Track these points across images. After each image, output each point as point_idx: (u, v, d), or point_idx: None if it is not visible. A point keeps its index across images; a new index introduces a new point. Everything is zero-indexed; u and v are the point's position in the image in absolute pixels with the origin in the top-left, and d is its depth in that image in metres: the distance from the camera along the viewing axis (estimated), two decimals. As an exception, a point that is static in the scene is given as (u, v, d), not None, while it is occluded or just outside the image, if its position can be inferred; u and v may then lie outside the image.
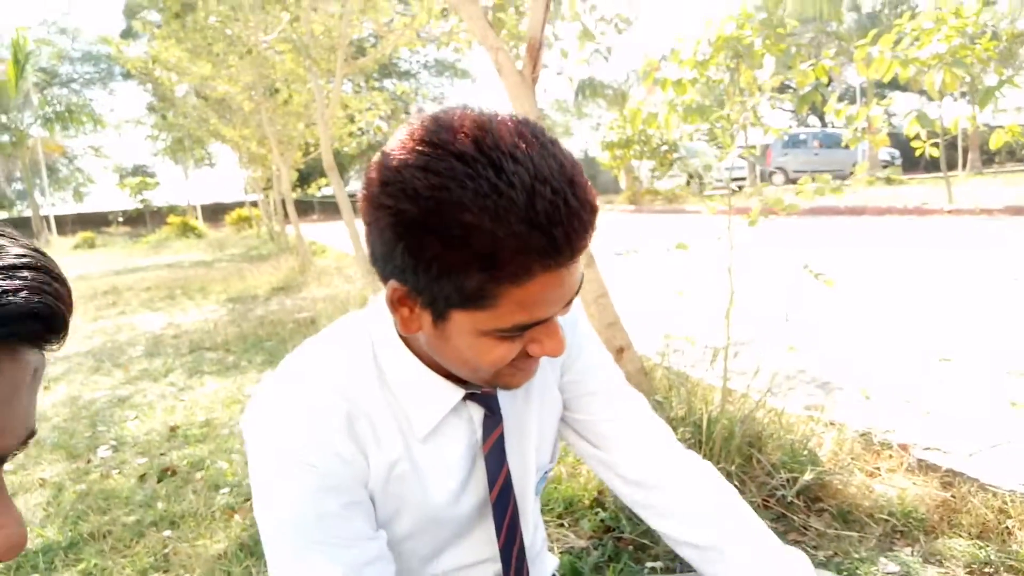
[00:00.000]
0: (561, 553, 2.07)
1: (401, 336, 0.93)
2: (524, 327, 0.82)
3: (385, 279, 0.84)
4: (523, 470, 1.05)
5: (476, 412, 0.99)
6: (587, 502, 2.30)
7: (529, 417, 1.06)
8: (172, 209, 35.10)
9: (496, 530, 1.02)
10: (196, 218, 31.21)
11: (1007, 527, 2.03)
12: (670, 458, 1.11)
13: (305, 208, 30.56)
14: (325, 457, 0.87)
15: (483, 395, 0.98)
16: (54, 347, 0.50)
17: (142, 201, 36.05)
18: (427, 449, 0.96)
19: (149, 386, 4.55)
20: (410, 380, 0.94)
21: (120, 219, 36.83)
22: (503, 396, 1.01)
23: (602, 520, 2.20)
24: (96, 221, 35.93)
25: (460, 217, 0.73)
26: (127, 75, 30.01)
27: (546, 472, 1.13)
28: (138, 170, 40.52)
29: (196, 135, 19.60)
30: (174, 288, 10.00)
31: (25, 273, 0.46)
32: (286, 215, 15.39)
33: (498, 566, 1.07)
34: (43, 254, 0.49)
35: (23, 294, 0.45)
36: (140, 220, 36.04)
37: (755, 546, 1.05)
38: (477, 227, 0.73)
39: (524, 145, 0.75)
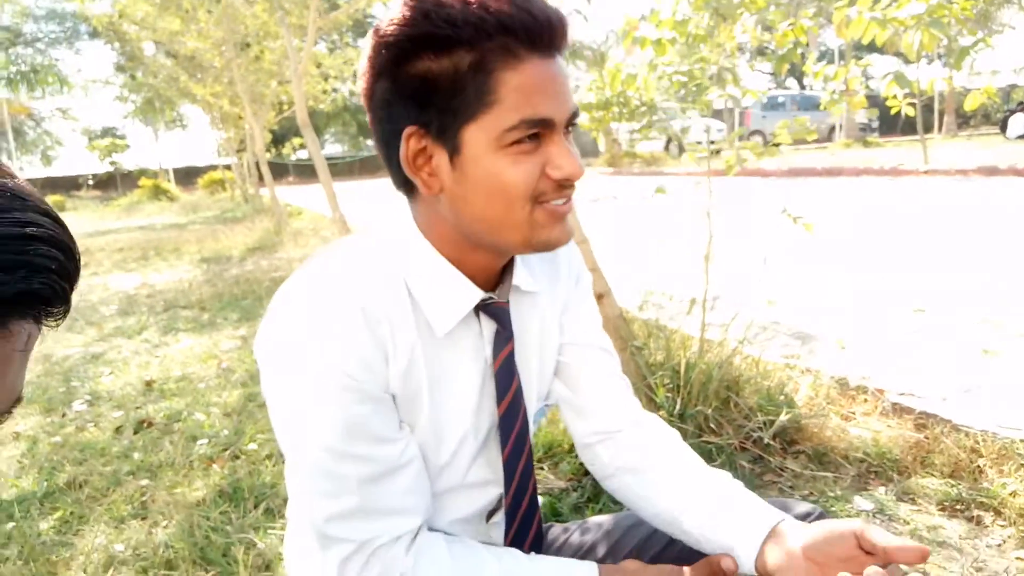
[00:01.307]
0: (541, 494, 2.09)
1: (424, 235, 0.93)
2: (531, 123, 0.82)
3: (397, 147, 0.87)
4: (528, 393, 1.06)
5: (488, 327, 0.99)
6: (566, 446, 2.31)
7: (533, 344, 1.07)
8: (143, 172, 34.44)
9: (501, 444, 1.02)
10: (168, 181, 30.69)
11: (978, 466, 2.07)
12: (629, 411, 1.16)
13: (280, 171, 30.15)
14: (349, 360, 0.87)
15: (496, 308, 0.98)
16: (52, 324, 0.47)
17: (112, 164, 35.31)
18: (441, 356, 0.96)
19: (123, 343, 4.49)
20: (432, 277, 0.93)
21: (90, 182, 36.11)
22: (515, 320, 1.01)
23: (581, 464, 2.22)
24: (65, 185, 35.16)
25: (433, 21, 0.80)
26: (94, 34, 29.19)
27: (545, 405, 1.13)
28: (107, 132, 39.62)
29: (166, 95, 19.22)
30: (147, 249, 9.86)
31: (29, 247, 0.42)
32: (260, 177, 15.19)
33: (499, 491, 1.07)
34: (56, 221, 0.45)
35: (22, 272, 0.41)
36: (111, 183, 35.33)
37: (681, 468, 1.09)
38: (458, 16, 0.80)
39: None
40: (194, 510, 2.19)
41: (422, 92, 0.83)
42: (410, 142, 0.86)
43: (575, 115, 0.87)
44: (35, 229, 0.43)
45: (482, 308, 0.97)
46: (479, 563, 0.96)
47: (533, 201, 0.86)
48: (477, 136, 0.83)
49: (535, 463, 2.28)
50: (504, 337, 1.00)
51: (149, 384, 3.54)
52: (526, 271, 1.03)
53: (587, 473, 2.18)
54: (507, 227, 0.88)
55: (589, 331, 1.16)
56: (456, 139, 0.84)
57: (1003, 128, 21.86)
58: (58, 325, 0.47)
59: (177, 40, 10.91)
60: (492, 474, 1.06)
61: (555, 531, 1.23)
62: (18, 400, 0.48)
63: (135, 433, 2.91)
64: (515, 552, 1.00)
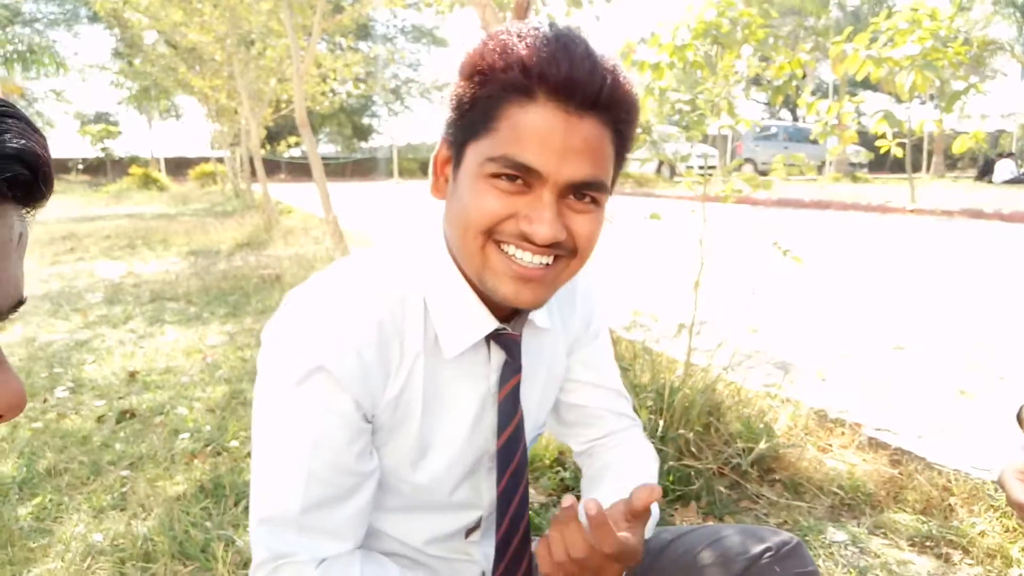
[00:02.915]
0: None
1: (448, 246, 0.95)
2: (511, 163, 0.82)
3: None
4: (527, 425, 1.07)
5: (496, 357, 1.00)
6: (548, 461, 2.34)
7: (539, 378, 1.10)
8: (134, 160, 34.18)
9: (498, 477, 1.03)
10: (159, 170, 30.46)
11: (950, 504, 2.11)
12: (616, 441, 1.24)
13: (272, 167, 30.07)
14: (352, 373, 0.88)
15: (508, 339, 0.99)
16: (38, 206, 0.49)
17: (103, 150, 35.05)
18: (443, 377, 0.97)
19: (108, 332, 4.48)
20: (452, 300, 0.95)
21: (80, 167, 35.82)
22: (524, 352, 1.02)
23: (562, 479, 2.24)
24: (55, 168, 34.77)
25: (484, 53, 0.84)
26: (94, 17, 29.09)
27: (539, 431, 1.17)
28: (100, 117, 39.33)
29: (163, 84, 19.16)
30: (135, 238, 9.81)
31: (8, 121, 0.45)
32: (253, 172, 15.15)
33: (481, 513, 1.09)
34: (17, 109, 0.48)
35: (8, 136, 0.44)
36: (100, 169, 35.06)
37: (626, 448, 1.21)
38: (504, 52, 0.83)
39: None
40: (174, 504, 2.19)
41: (456, 106, 0.88)
42: (442, 147, 0.92)
43: (585, 185, 0.84)
44: (5, 108, 0.46)
45: (494, 337, 0.98)
46: None
47: (487, 235, 0.86)
48: (472, 156, 0.86)
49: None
50: (512, 369, 1.01)
51: (133, 375, 3.53)
52: (544, 308, 1.04)
53: (567, 489, 2.21)
54: (464, 254, 0.90)
55: (589, 370, 1.20)
56: (461, 153, 0.88)
57: (980, 174, 22.21)
58: (41, 207, 0.50)
59: (179, 31, 10.90)
60: (476, 499, 1.08)
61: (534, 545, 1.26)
62: (21, 301, 0.50)
63: (117, 423, 2.90)
64: None
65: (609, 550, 0.87)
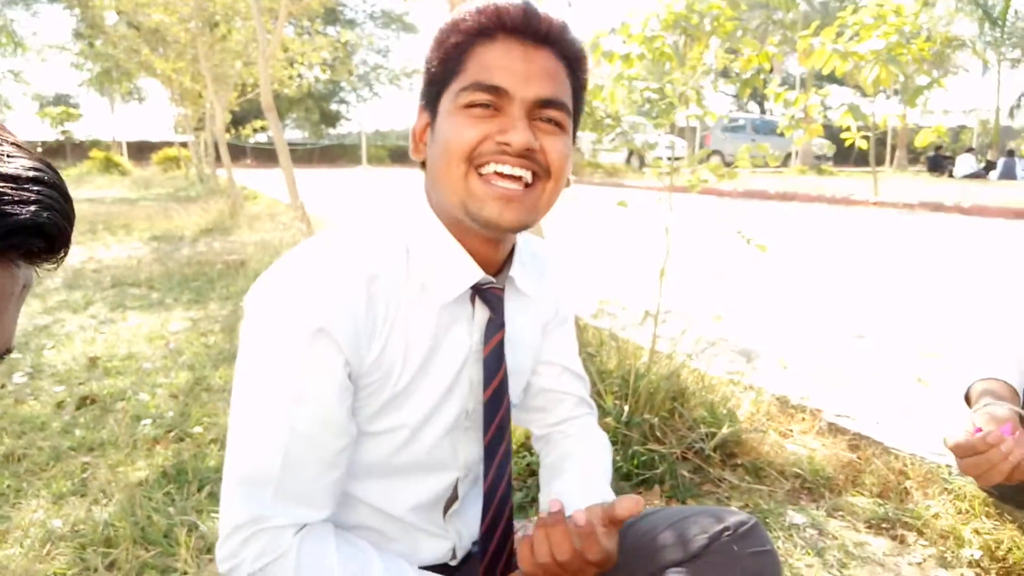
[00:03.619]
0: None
1: (435, 214, 1.00)
2: (483, 86, 0.91)
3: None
4: (510, 385, 1.10)
5: (481, 315, 1.04)
6: (514, 447, 2.35)
7: (518, 342, 1.12)
8: (95, 143, 33.47)
9: (484, 429, 1.06)
10: (121, 154, 29.88)
11: (905, 487, 2.17)
12: (576, 410, 1.29)
13: (237, 152, 29.65)
14: (344, 328, 0.90)
15: (492, 294, 1.03)
16: (51, 267, 0.48)
17: (63, 133, 34.28)
18: (428, 331, 0.99)
19: (68, 317, 4.40)
20: (437, 251, 0.99)
21: (39, 150, 34.92)
22: (507, 312, 1.06)
23: (528, 464, 2.26)
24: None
25: (447, 20, 0.95)
26: (53, -3, 28.35)
27: (514, 405, 1.18)
28: (60, 100, 38.48)
29: (125, 66, 18.72)
30: (96, 223, 9.62)
31: (35, 187, 0.44)
32: (217, 157, 14.93)
33: (457, 475, 1.11)
34: (53, 169, 0.47)
35: (32, 208, 0.43)
36: (60, 152, 34.24)
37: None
38: (466, 7, 0.94)
39: None
40: (136, 490, 2.16)
41: (428, 69, 0.97)
42: (419, 116, 0.99)
43: (548, 103, 0.93)
44: (39, 173, 0.45)
45: (478, 293, 1.02)
46: (366, 563, 0.97)
47: (469, 163, 0.92)
48: (445, 102, 0.94)
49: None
50: (496, 324, 1.04)
51: (93, 360, 3.48)
52: (524, 272, 1.09)
53: (532, 474, 2.22)
54: (448, 188, 0.95)
55: (560, 353, 1.24)
56: (436, 105, 0.96)
57: (930, 168, 22.72)
58: (56, 267, 0.49)
59: (142, 11, 10.68)
60: (452, 458, 1.09)
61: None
62: (10, 350, 0.50)
63: (77, 409, 2.86)
64: (405, 567, 1.02)
65: (594, 557, 0.92)
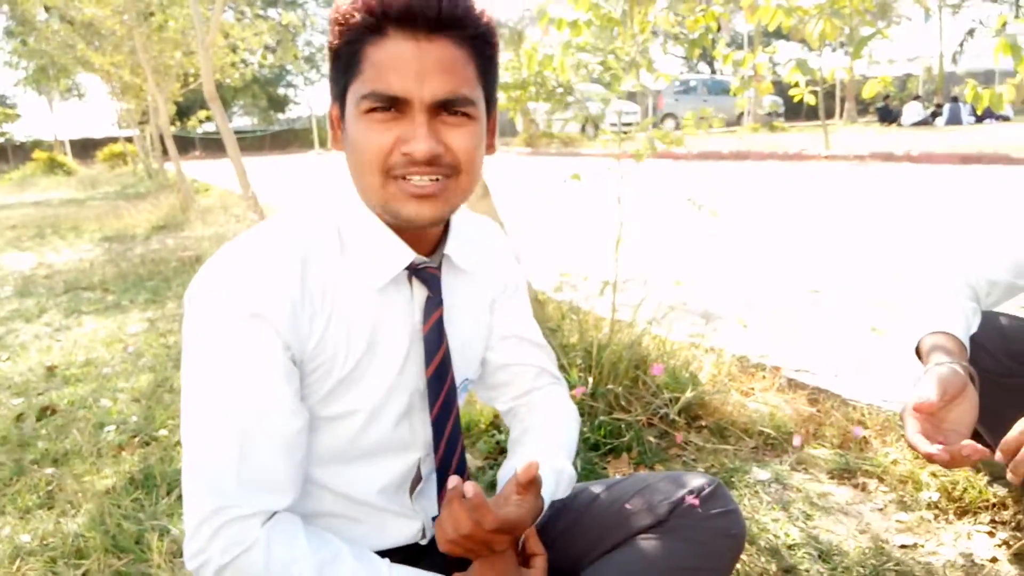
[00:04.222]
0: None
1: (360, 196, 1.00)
2: (380, 96, 0.90)
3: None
4: (455, 362, 1.11)
5: (419, 294, 1.05)
6: (483, 426, 2.37)
7: (463, 319, 1.13)
8: (37, 144, 32.54)
9: (430, 404, 1.08)
10: (64, 154, 29.07)
11: (864, 437, 2.23)
12: (541, 381, 1.29)
13: (185, 144, 29.01)
14: (280, 310, 0.91)
15: (428, 274, 1.04)
16: None
17: (2, 135, 33.27)
18: (370, 314, 1.01)
19: (22, 326, 4.30)
20: (368, 235, 1.00)
21: (-23, 154, 33.89)
22: (446, 289, 1.07)
23: (497, 442, 2.28)
24: (-51, 155, 32.93)
25: (338, 6, 0.92)
26: (-21, -6, 27.24)
27: (467, 380, 1.19)
28: (-4, 101, 37.19)
29: (61, 63, 18.13)
30: (43, 227, 9.38)
31: None
32: (164, 151, 14.58)
33: (419, 455, 1.12)
34: None
35: None
36: (1, 155, 33.26)
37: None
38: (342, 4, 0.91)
39: None
40: (104, 498, 2.14)
41: (330, 61, 0.96)
42: (332, 105, 0.99)
43: (450, 100, 0.91)
44: None
45: (415, 273, 1.03)
46: (336, 552, 0.98)
47: (385, 174, 0.93)
48: (350, 101, 0.93)
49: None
50: (434, 303, 1.05)
51: (51, 369, 3.41)
52: (465, 251, 1.10)
53: (503, 451, 2.25)
54: (369, 193, 0.96)
55: (513, 324, 1.24)
56: (343, 103, 0.95)
57: (880, 117, 23.06)
58: None
59: (73, 5, 10.34)
60: (412, 438, 1.11)
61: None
62: None
63: (38, 421, 2.80)
64: (376, 560, 1.03)
65: (490, 527, 0.93)
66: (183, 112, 20.97)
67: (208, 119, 19.40)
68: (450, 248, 1.07)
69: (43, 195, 15.88)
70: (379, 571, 1.00)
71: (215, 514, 0.91)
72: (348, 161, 0.97)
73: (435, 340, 1.06)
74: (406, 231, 1.00)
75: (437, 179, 0.93)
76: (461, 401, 1.17)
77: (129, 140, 24.67)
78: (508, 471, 1.14)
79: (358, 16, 0.90)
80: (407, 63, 0.89)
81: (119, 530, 1.96)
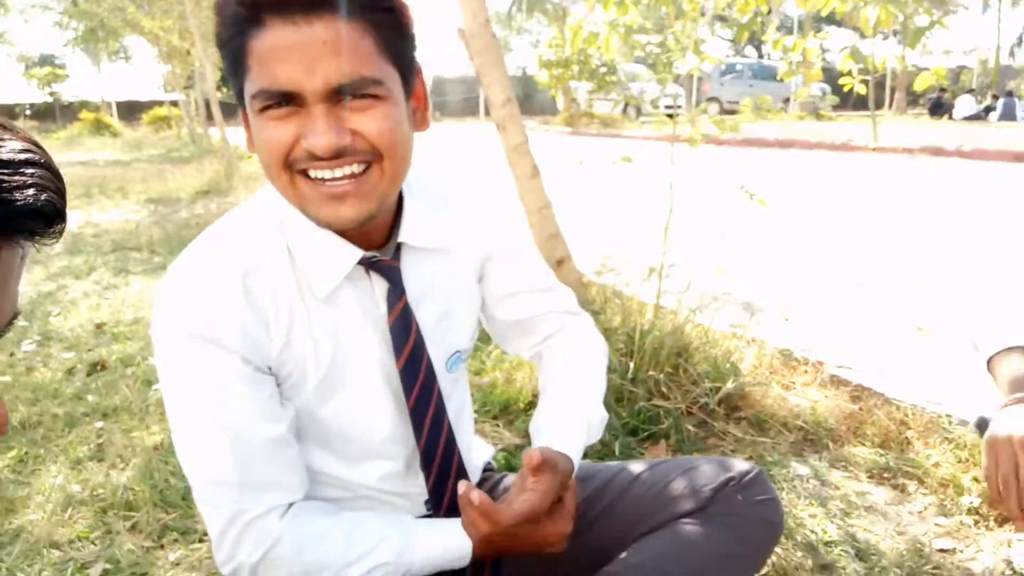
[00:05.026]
0: (500, 450, 2.16)
1: None
2: (269, 93, 0.83)
3: None
4: (433, 345, 1.07)
5: (380, 286, 1.01)
6: (522, 405, 2.39)
7: (438, 297, 1.09)
8: (84, 104, 33.01)
9: (405, 395, 1.04)
10: (111, 115, 29.52)
11: (907, 437, 2.21)
12: (563, 320, 1.27)
13: (231, 110, 29.21)
14: (228, 329, 0.90)
15: (384, 265, 1.00)
16: (51, 242, 0.50)
17: (51, 94, 33.84)
18: (329, 317, 0.98)
19: (72, 283, 4.41)
20: (310, 240, 0.95)
21: (27, 112, 34.55)
22: (411, 276, 1.03)
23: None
24: (0, 113, 33.62)
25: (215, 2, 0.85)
26: (34, -47, 27.71)
27: (459, 352, 1.15)
28: (46, 60, 37.82)
29: (110, 25, 18.39)
30: (90, 186, 9.57)
31: (29, 170, 0.45)
32: (209, 116, 14.75)
33: (414, 443, 1.09)
34: (42, 149, 0.48)
35: (30, 192, 0.44)
36: (49, 114, 33.82)
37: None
38: None
39: None
40: (152, 454, 2.21)
41: (222, 59, 0.88)
42: (241, 114, 0.92)
43: (349, 84, 0.82)
44: (30, 155, 0.46)
45: (371, 266, 0.99)
46: (359, 517, 1.00)
47: (288, 169, 0.87)
48: (247, 100, 0.87)
49: (492, 420, 2.36)
50: (395, 294, 1.01)
51: (100, 326, 3.50)
52: (428, 227, 1.04)
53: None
54: (282, 193, 0.91)
55: (519, 280, 1.20)
56: (242, 102, 0.88)
57: (931, 110, 22.43)
58: (56, 242, 0.51)
59: (126, -32, 10.46)
60: (406, 428, 1.08)
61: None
62: (16, 314, 0.52)
63: (88, 375, 2.89)
64: (398, 514, 1.04)
65: (508, 523, 0.95)
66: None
67: (253, 86, 19.45)
68: (405, 234, 1.01)
69: (89, 155, 16.18)
70: (404, 524, 1.02)
71: (232, 521, 0.93)
72: (260, 162, 0.91)
73: (402, 330, 1.02)
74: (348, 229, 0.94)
75: (353, 174, 0.86)
76: (456, 372, 1.14)
77: (174, 104, 24.97)
78: (537, 426, 1.14)
79: (232, 9, 0.83)
80: (290, 52, 0.80)
81: (167, 485, 2.02)
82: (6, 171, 0.44)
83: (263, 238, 0.95)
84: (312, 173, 0.86)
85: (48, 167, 0.47)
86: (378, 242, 1.00)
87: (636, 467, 1.22)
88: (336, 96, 0.83)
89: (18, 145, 0.46)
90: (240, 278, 0.91)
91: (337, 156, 0.84)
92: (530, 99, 27.78)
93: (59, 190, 0.48)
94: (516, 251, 1.20)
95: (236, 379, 0.91)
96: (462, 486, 0.97)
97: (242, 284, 0.91)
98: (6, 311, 0.50)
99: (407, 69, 0.90)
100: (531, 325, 1.24)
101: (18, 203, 0.44)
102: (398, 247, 1.02)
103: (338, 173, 0.86)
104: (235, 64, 0.85)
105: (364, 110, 0.84)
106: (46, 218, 0.46)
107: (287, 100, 0.83)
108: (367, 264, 0.98)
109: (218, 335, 0.89)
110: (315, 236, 0.95)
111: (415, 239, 1.02)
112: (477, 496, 0.94)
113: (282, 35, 0.80)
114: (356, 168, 0.86)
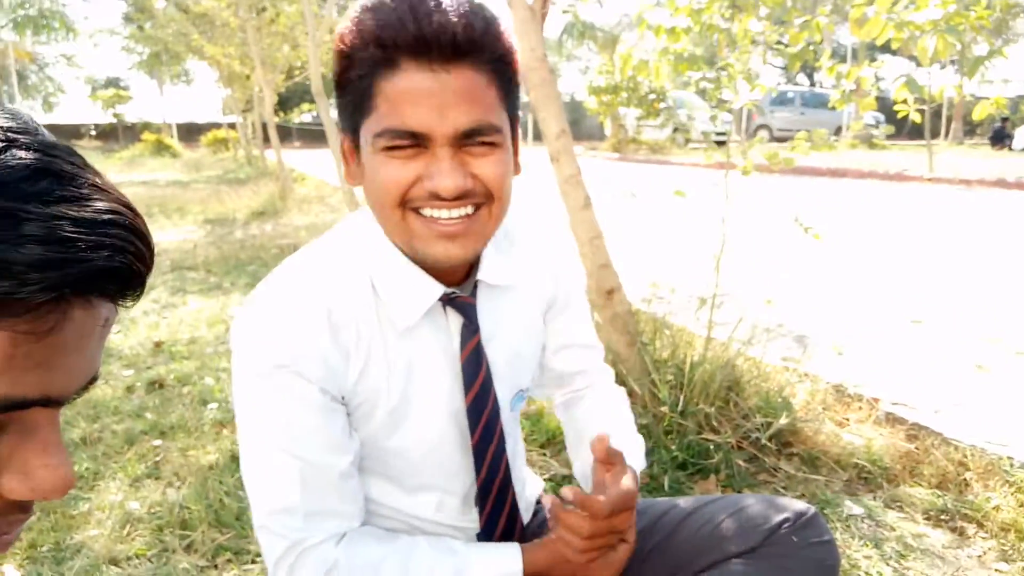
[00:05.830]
0: (546, 480, 2.16)
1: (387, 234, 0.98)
2: (396, 133, 0.86)
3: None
4: (500, 382, 1.09)
5: (455, 321, 1.04)
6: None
7: (509, 336, 1.11)
8: (147, 126, 34.22)
9: (470, 431, 1.06)
10: (171, 136, 30.49)
11: (965, 479, 2.15)
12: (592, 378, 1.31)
13: (285, 134, 29.92)
14: (311, 360, 0.92)
15: (461, 302, 1.02)
16: (129, 304, 0.50)
17: (115, 115, 35.12)
18: (406, 350, 1.00)
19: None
20: (395, 274, 0.98)
21: (92, 132, 35.89)
22: (485, 313, 1.06)
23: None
24: (67, 133, 34.91)
25: (343, 36, 0.88)
26: (104, -18, 28.80)
27: (522, 391, 1.17)
28: (111, 83, 39.32)
29: (174, 49, 19.04)
30: (151, 206, 9.87)
31: (111, 230, 0.45)
32: (266, 139, 15.12)
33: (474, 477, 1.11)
34: (132, 209, 0.49)
35: (105, 252, 0.44)
36: (112, 135, 35.10)
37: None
38: (358, 31, 0.86)
39: None
40: (208, 473, 2.26)
41: (338, 94, 0.91)
42: (344, 138, 0.95)
43: (473, 131, 0.86)
44: (115, 216, 0.47)
45: (449, 303, 1.02)
46: (412, 544, 1.01)
47: (402, 206, 0.89)
48: (365, 136, 0.89)
49: (539, 449, 2.36)
50: (470, 330, 1.04)
51: (158, 345, 3.60)
52: (501, 266, 1.07)
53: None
54: (389, 230, 0.94)
55: (567, 335, 1.24)
56: (357, 137, 0.91)
57: (993, 141, 21.84)
58: (134, 304, 0.52)
59: (191, -3, 10.85)
60: (466, 462, 1.10)
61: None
62: (95, 378, 0.52)
63: (147, 393, 2.97)
64: (447, 540, 1.05)
65: (605, 512, 0.94)
66: (283, 102, 21.70)
67: (309, 110, 19.95)
68: (483, 273, 1.04)
69: (150, 175, 16.70)
70: (454, 549, 1.03)
71: (289, 551, 0.95)
72: (367, 197, 0.94)
73: (474, 367, 1.04)
74: (433, 265, 0.97)
75: (467, 215, 0.90)
76: (517, 411, 1.17)
77: (232, 126, 25.69)
78: (581, 470, 1.16)
79: (367, 51, 0.85)
80: (425, 97, 0.84)
81: (221, 505, 2.06)
82: (85, 230, 0.44)
83: (348, 270, 0.98)
84: (426, 212, 0.89)
85: (133, 230, 0.47)
86: (458, 279, 1.03)
87: (687, 503, 1.21)
88: (460, 141, 0.87)
89: (103, 206, 0.46)
90: (325, 310, 0.94)
91: (459, 198, 0.88)
92: (578, 124, 27.89)
93: (140, 254, 0.47)
94: (574, 303, 1.24)
95: (313, 410, 0.93)
96: (546, 501, 0.98)
97: (327, 317, 0.94)
98: (83, 373, 0.49)
99: (515, 118, 0.96)
100: (570, 378, 1.29)
101: (91, 263, 0.43)
102: (475, 284, 1.05)
103: (455, 213, 0.89)
104: (359, 102, 0.88)
105: (484, 155, 0.89)
106: (121, 279, 0.46)
107: (413, 141, 0.86)
108: (445, 300, 1.01)
109: (301, 367, 0.91)
110: (401, 270, 0.98)
111: (493, 277, 1.06)
112: (568, 492, 0.94)
113: (417, 79, 0.84)
114: (469, 209, 0.90)
